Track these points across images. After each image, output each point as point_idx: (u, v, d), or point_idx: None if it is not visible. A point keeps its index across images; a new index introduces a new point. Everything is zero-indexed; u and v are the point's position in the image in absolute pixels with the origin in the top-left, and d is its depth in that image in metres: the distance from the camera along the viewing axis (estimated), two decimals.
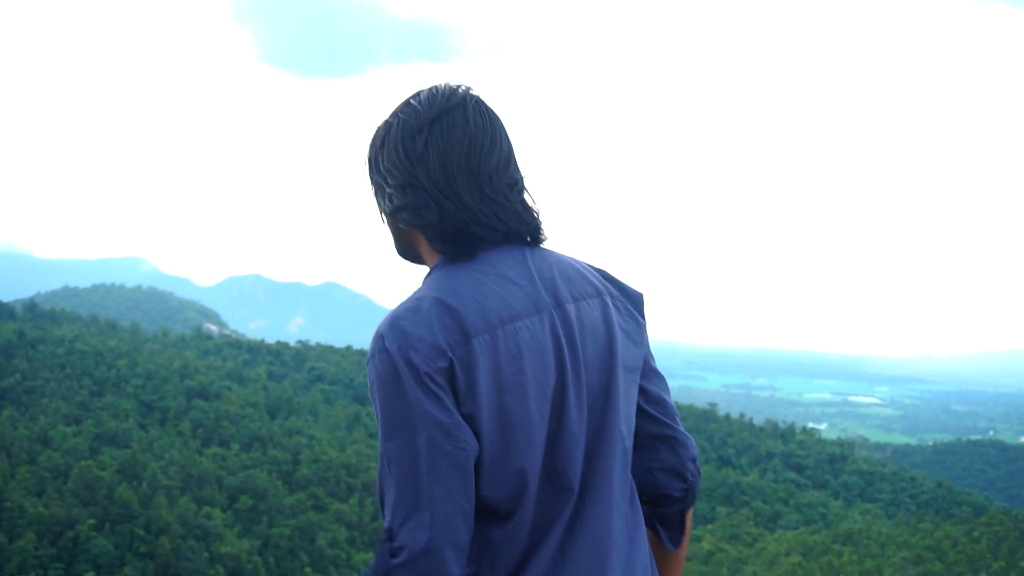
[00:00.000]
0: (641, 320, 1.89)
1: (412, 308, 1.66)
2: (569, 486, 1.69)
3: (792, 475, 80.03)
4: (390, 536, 1.59)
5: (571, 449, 1.69)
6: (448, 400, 1.60)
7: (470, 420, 1.61)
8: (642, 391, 1.87)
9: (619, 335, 1.81)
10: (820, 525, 60.41)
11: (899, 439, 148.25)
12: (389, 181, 1.77)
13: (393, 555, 1.57)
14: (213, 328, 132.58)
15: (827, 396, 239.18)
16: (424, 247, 1.82)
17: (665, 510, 1.92)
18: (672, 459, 1.89)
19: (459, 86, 1.76)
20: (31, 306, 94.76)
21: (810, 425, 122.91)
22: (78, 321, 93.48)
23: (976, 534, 46.87)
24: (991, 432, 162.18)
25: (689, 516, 1.95)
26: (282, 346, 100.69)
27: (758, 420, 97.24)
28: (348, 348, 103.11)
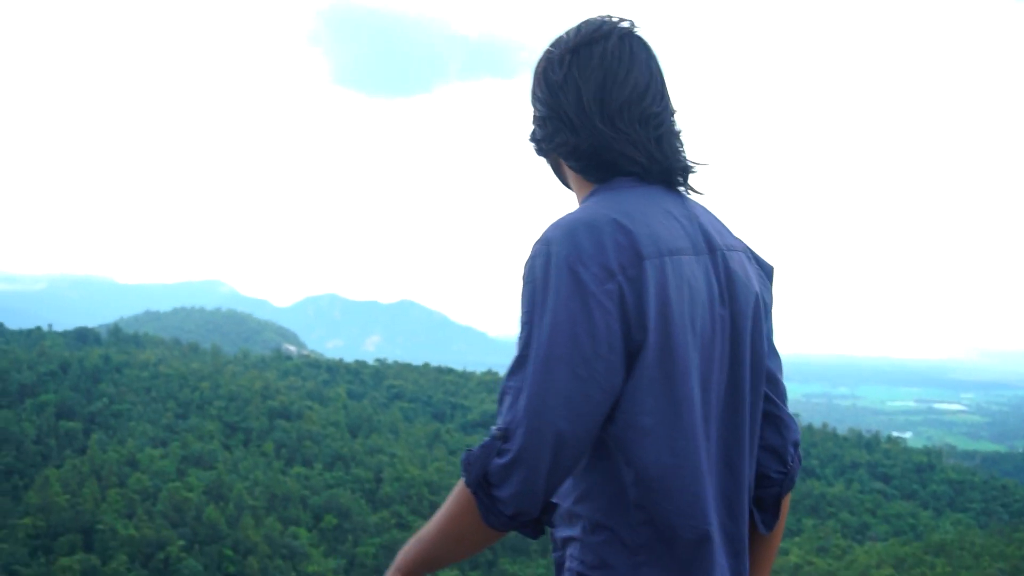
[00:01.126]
0: (770, 286, 1.88)
1: (587, 221, 1.62)
2: (704, 433, 1.67)
3: (879, 485, 78.53)
4: (504, 436, 1.57)
5: (714, 391, 1.68)
6: (613, 323, 1.56)
7: (639, 348, 1.58)
8: None
9: (758, 295, 1.78)
10: (910, 536, 59.18)
11: (988, 446, 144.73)
12: (535, 111, 1.82)
13: (499, 454, 1.57)
14: (291, 348, 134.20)
15: (911, 404, 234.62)
16: (571, 176, 1.84)
17: (763, 491, 1.86)
18: (776, 439, 1.84)
19: (610, 18, 1.77)
20: (115, 331, 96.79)
21: (895, 434, 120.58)
22: (161, 345, 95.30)
23: None
24: None
25: (786, 502, 1.92)
26: (360, 365, 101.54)
27: (841, 430, 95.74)
28: (425, 365, 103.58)
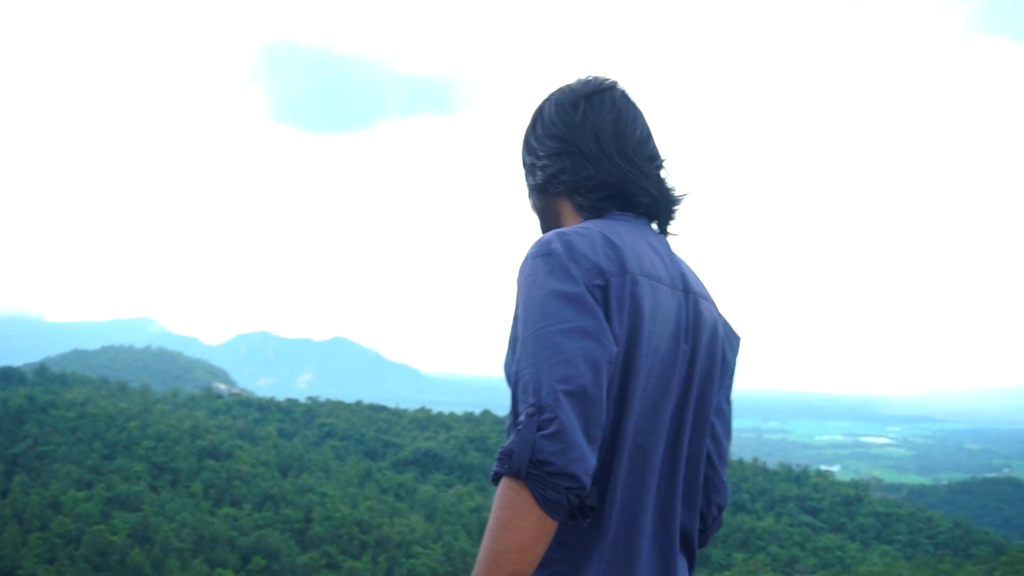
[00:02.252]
0: (737, 349, 2.00)
1: (580, 231, 1.78)
2: (652, 449, 1.78)
3: (807, 519, 79.29)
4: (539, 409, 1.59)
5: (661, 421, 1.79)
6: (601, 311, 1.69)
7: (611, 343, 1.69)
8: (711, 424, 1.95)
9: (722, 346, 1.93)
10: (838, 569, 59.81)
11: (913, 479, 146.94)
12: (541, 153, 1.98)
13: (542, 427, 1.59)
14: (222, 387, 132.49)
15: (839, 437, 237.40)
16: (567, 214, 1.98)
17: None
18: (701, 500, 1.94)
19: (598, 77, 1.99)
20: (41, 370, 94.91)
21: (823, 467, 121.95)
22: (88, 384, 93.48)
23: (997, 574, 46.34)
24: (1006, 470, 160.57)
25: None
26: (292, 403, 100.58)
27: (771, 464, 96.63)
28: (358, 403, 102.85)
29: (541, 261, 1.72)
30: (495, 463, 1.66)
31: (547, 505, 1.59)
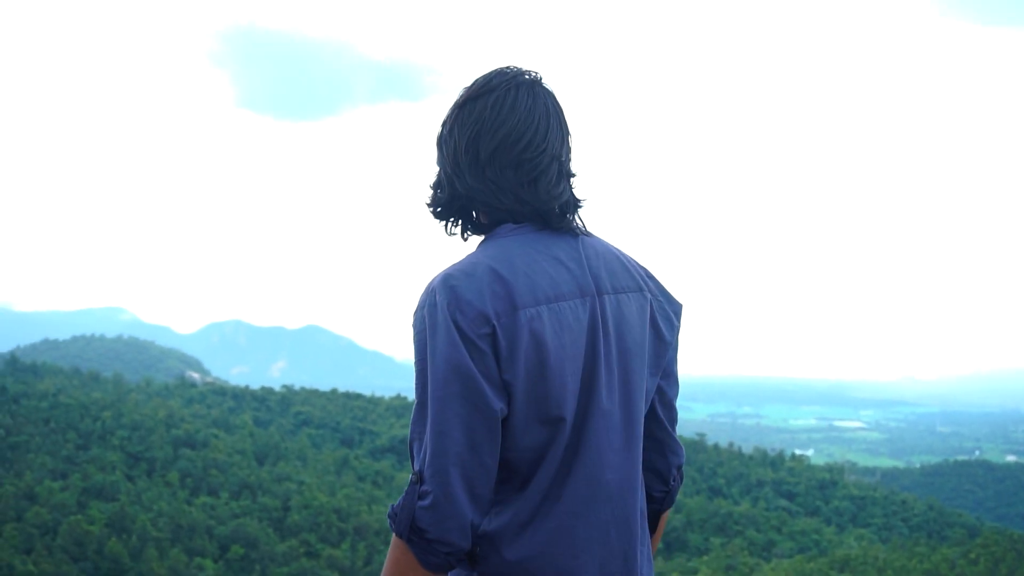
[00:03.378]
0: (676, 323, 2.03)
1: (466, 271, 1.79)
2: (598, 454, 1.85)
3: (784, 503, 79.80)
4: (420, 479, 1.74)
5: (599, 428, 1.83)
6: (490, 362, 1.73)
7: (507, 386, 1.75)
8: (660, 392, 2.04)
9: (650, 332, 1.95)
10: (815, 552, 60.19)
11: (887, 462, 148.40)
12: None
13: (420, 497, 1.73)
14: (195, 376, 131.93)
15: (813, 422, 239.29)
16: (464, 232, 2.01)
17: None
18: (661, 462, 2.07)
19: (507, 71, 1.90)
20: (12, 360, 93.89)
21: (798, 451, 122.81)
22: (60, 374, 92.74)
23: (973, 556, 46.70)
24: (977, 452, 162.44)
25: (664, 517, 2.16)
26: (267, 391, 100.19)
27: (746, 448, 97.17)
28: (333, 391, 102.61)
29: (428, 315, 1.77)
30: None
31: (428, 565, 1.76)
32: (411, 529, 1.74)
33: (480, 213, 1.94)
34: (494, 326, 1.73)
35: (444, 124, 1.89)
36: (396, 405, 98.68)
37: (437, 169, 1.94)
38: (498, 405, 1.73)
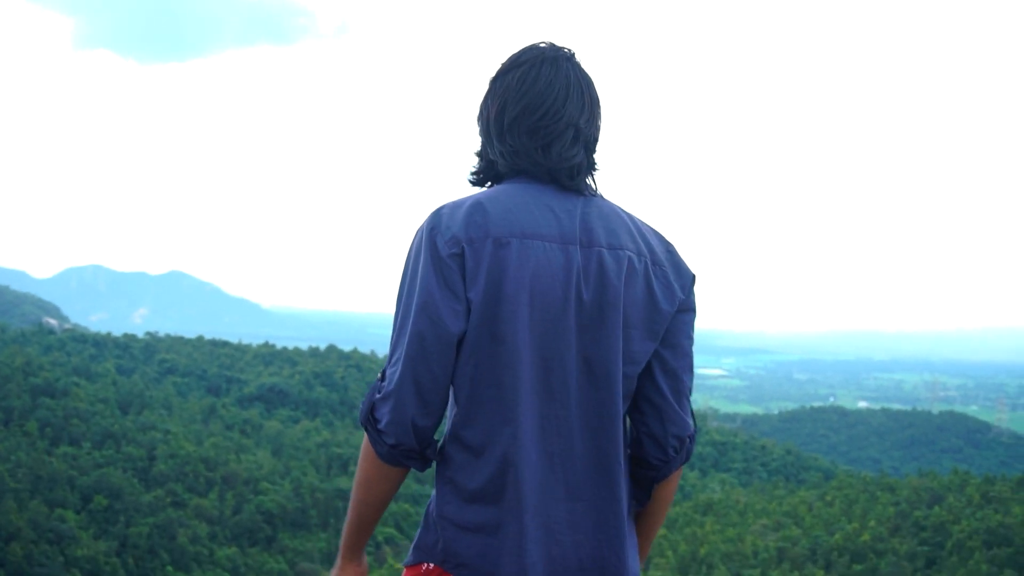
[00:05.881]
0: (679, 294, 2.09)
1: (456, 203, 2.03)
2: (553, 396, 1.99)
3: None
4: (382, 376, 2.02)
5: (553, 365, 1.97)
6: (456, 283, 1.95)
7: (470, 303, 1.95)
8: (660, 360, 2.09)
9: (643, 296, 2.04)
10: (679, 497, 61.89)
11: (747, 409, 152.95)
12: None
13: (379, 391, 2.01)
14: (54, 322, 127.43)
15: None
16: None
17: (641, 472, 2.16)
18: (657, 428, 2.10)
19: (537, 46, 2.10)
20: None
21: None
22: None
23: (829, 498, 48.72)
24: (832, 399, 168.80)
25: (667, 489, 2.22)
26: (130, 338, 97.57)
27: None
28: (199, 338, 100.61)
29: (416, 236, 2.02)
30: None
31: (380, 455, 2.02)
32: (367, 419, 2.02)
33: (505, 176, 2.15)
34: (463, 247, 1.94)
35: (482, 97, 2.14)
36: (264, 353, 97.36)
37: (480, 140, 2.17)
38: (456, 326, 1.94)
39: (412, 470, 2.07)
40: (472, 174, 2.19)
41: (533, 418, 1.97)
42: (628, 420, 2.14)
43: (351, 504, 2.11)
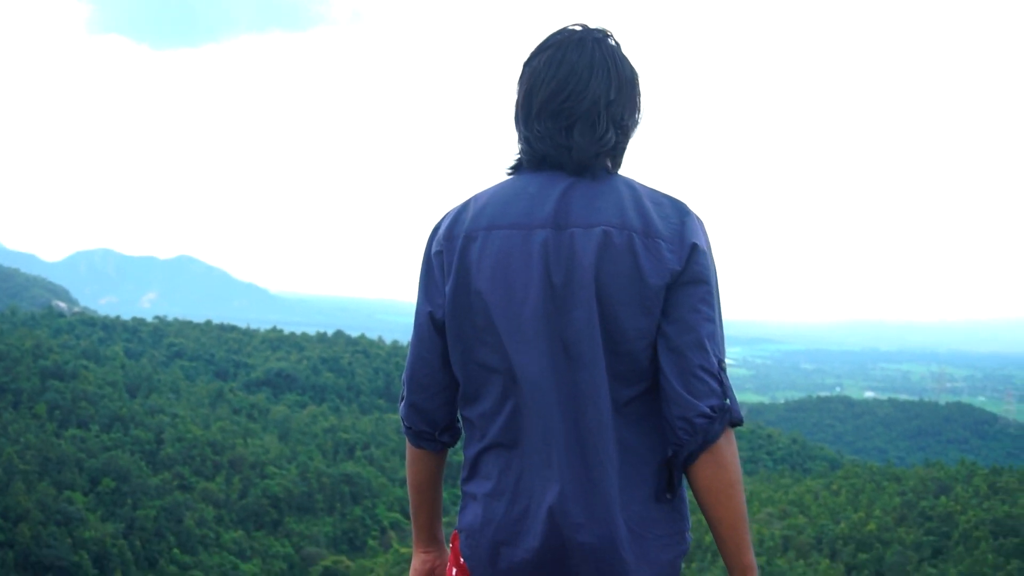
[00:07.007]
0: (671, 265, 1.97)
1: (462, 203, 2.12)
2: (528, 379, 2.00)
3: None
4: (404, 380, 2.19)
5: (529, 349, 1.99)
6: (437, 275, 2.08)
7: (446, 297, 2.05)
8: (664, 336, 1.98)
9: (620, 268, 1.96)
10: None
11: (753, 398, 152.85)
12: None
13: (402, 397, 2.20)
14: (63, 305, 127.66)
15: None
16: None
17: (671, 457, 2.01)
18: (665, 411, 1.98)
19: (556, 33, 2.09)
20: None
21: None
22: None
23: (835, 487, 48.73)
24: (838, 389, 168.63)
25: (699, 471, 1.96)
26: (138, 322, 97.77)
27: None
28: (207, 323, 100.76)
29: (425, 245, 2.15)
30: None
31: (406, 435, 2.23)
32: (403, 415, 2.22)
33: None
34: (443, 247, 2.06)
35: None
36: (271, 338, 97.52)
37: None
38: (438, 316, 2.08)
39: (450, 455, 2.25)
40: (510, 167, 2.16)
41: (513, 402, 2.02)
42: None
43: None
